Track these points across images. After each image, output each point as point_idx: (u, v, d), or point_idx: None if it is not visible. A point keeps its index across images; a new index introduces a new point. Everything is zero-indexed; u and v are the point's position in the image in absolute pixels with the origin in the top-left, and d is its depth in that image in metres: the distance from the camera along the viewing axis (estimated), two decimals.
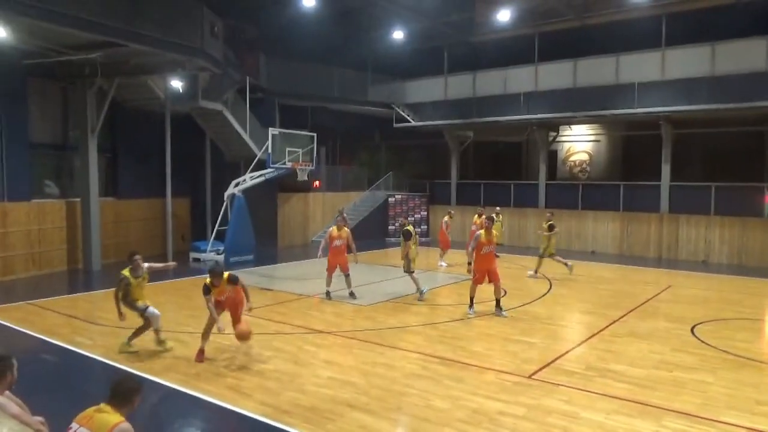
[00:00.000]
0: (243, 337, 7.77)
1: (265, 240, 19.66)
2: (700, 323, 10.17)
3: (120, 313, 7.95)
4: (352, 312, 10.90)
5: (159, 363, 7.69)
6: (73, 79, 15.14)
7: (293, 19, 20.86)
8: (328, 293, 11.95)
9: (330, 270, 11.98)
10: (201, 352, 7.87)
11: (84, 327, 9.49)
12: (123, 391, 3.66)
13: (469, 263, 10.60)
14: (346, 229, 12.09)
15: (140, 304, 8.17)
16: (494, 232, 10.92)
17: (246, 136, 18.88)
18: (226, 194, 17.46)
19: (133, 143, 17.92)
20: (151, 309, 8.18)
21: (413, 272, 12.12)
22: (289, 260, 18.10)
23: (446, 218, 16.91)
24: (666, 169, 19.80)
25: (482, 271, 10.51)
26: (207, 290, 7.84)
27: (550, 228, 15.04)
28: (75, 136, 15.96)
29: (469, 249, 10.63)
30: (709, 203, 19.03)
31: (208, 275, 7.93)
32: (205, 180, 19.92)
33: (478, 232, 10.72)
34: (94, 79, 14.77)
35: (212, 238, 17.65)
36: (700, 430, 5.77)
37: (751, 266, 17.76)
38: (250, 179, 17.45)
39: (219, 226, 17.50)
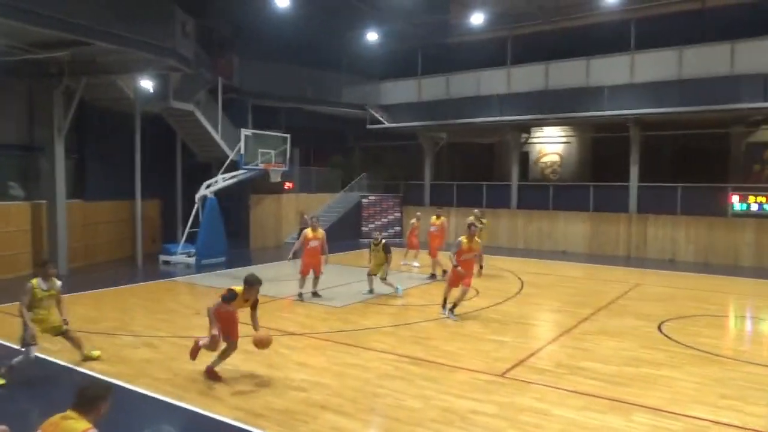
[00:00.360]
0: (262, 343, 7.01)
1: (237, 242, 19.48)
2: (668, 320, 10.41)
3: (30, 331, 6.98)
4: (326, 314, 10.86)
5: (129, 368, 7.54)
6: (39, 78, 14.78)
7: (267, 19, 20.73)
8: (300, 295, 11.89)
9: (305, 272, 11.94)
10: (212, 371, 7.17)
11: None
12: (88, 396, 3.58)
13: (456, 266, 10.35)
14: (321, 230, 12.08)
15: (32, 328, 6.97)
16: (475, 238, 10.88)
17: (218, 137, 18.69)
18: (197, 196, 17.24)
19: (101, 144, 17.58)
20: (33, 349, 7.01)
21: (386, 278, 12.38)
22: (261, 262, 17.94)
23: (414, 221, 16.98)
24: (634, 171, 20.22)
25: (459, 276, 10.38)
26: (232, 298, 6.95)
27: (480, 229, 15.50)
28: (41, 136, 15.58)
29: (451, 254, 10.47)
30: (676, 203, 19.50)
31: (243, 284, 7.04)
32: (175, 181, 19.64)
33: (459, 239, 10.58)
34: (61, 79, 14.45)
35: (183, 240, 17.41)
36: (667, 424, 5.90)
37: (716, 264, 18.24)
38: (222, 180, 17.26)
39: (190, 228, 17.27)
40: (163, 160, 19.20)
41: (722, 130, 21.04)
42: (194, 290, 13.60)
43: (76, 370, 7.44)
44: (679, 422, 5.94)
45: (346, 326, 9.90)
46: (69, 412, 3.52)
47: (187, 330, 9.55)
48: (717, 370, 7.67)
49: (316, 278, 12.07)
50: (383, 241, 12.49)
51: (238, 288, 7.03)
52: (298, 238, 18.59)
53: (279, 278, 15.48)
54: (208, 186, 17.23)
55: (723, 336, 10.22)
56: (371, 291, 12.52)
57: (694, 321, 10.54)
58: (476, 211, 18.72)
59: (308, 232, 11.93)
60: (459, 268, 10.29)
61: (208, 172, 18.98)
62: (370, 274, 12.60)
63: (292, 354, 8.27)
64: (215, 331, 6.91)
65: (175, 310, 11.12)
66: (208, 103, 18.84)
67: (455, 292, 10.48)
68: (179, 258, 16.82)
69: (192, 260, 16.53)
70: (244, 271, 15.94)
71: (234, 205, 19.69)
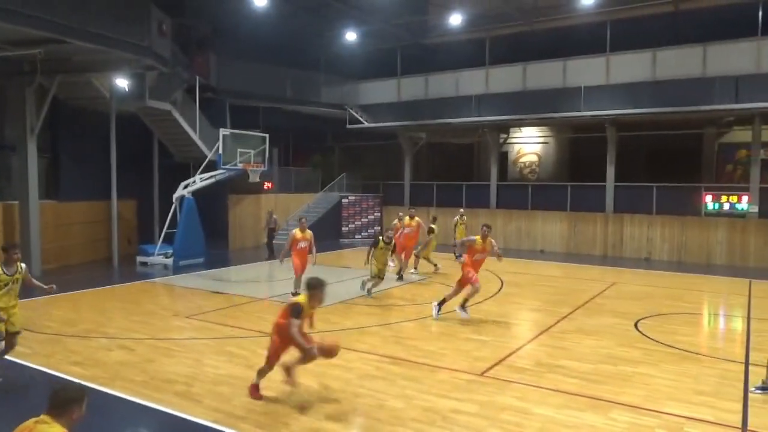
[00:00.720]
0: (330, 352, 6.46)
1: (216, 242, 19.28)
2: (644, 318, 10.57)
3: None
4: None
5: (104, 371, 7.41)
6: (11, 75, 14.45)
7: (245, 18, 20.57)
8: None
9: (298, 271, 11.78)
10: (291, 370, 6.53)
11: (24, 335, 9.03)
12: (60, 400, 3.49)
13: (459, 255, 10.29)
14: (309, 231, 12.01)
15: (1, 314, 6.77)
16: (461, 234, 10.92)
17: (195, 137, 18.48)
18: (175, 196, 17.01)
19: (76, 143, 17.26)
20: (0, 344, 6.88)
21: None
22: (241, 263, 17.81)
23: (396, 221, 17.01)
24: (611, 171, 20.51)
25: (469, 275, 10.19)
26: (299, 311, 6.21)
27: (431, 231, 16.15)
28: (13, 135, 15.23)
29: (458, 245, 10.34)
30: (651, 203, 19.84)
31: (306, 291, 6.39)
32: (152, 181, 19.37)
33: (473, 237, 10.49)
34: (33, 77, 14.13)
35: (160, 241, 17.17)
36: (645, 421, 5.98)
37: (690, 262, 18.60)
38: (200, 181, 17.06)
39: (168, 228, 17.04)
40: (139, 160, 18.92)
41: (696, 131, 21.47)
42: (172, 292, 13.43)
43: (48, 373, 7.28)
44: (656, 419, 6.03)
45: (328, 327, 9.85)
46: (43, 416, 3.44)
47: (165, 332, 9.43)
48: (692, 367, 7.81)
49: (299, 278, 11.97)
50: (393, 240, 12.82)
51: (301, 298, 6.37)
52: (267, 239, 18.56)
53: (259, 279, 15.43)
54: (186, 186, 17.03)
55: (697, 333, 10.41)
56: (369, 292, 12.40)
57: (669, 319, 10.72)
58: (461, 210, 19.04)
59: (296, 233, 11.86)
60: (460, 257, 10.09)
61: (186, 172, 18.75)
62: (378, 276, 12.35)
63: None
64: (308, 346, 6.25)
65: (153, 311, 10.96)
66: (185, 102, 18.61)
67: (467, 289, 10.33)
68: (157, 259, 16.58)
69: (170, 261, 16.31)
70: (224, 272, 16.01)
71: (213, 206, 19.49)
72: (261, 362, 7.74)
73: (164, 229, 17.16)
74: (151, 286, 13.83)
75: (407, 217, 15.52)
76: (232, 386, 6.87)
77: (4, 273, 6.83)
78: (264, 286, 14.46)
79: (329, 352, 6.44)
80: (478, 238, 10.39)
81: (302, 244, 11.80)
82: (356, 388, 6.85)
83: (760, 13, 17.54)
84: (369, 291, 12.33)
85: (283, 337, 6.31)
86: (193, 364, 7.72)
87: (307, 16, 22.57)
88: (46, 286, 7.26)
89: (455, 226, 18.54)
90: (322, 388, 6.85)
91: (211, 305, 11.43)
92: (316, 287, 6.34)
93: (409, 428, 5.75)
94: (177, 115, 17.81)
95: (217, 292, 12.76)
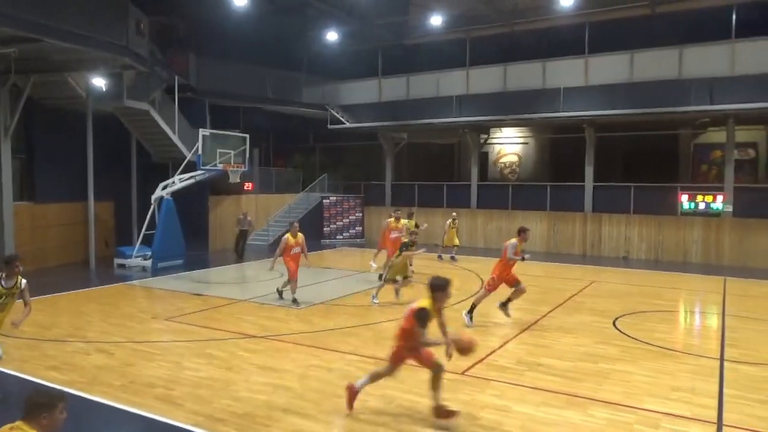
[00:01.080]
0: (466, 349, 5.99)
1: (196, 244, 19.09)
2: (622, 316, 10.73)
3: None
4: (288, 315, 10.77)
5: (82, 375, 7.30)
6: None
7: (224, 17, 20.40)
8: (295, 300, 11.60)
9: (293, 275, 11.68)
10: (442, 409, 5.90)
11: None
12: (30, 406, 3.44)
13: (523, 258, 10.30)
14: (300, 235, 11.93)
15: None
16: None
17: (174, 137, 18.26)
18: (153, 197, 16.81)
19: (51, 144, 16.92)
20: None
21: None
22: (221, 264, 17.68)
23: (389, 221, 16.97)
24: (589, 171, 20.76)
25: (501, 280, 10.23)
26: (426, 316, 5.71)
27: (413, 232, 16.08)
28: None
29: (511, 255, 10.15)
30: (629, 203, 20.12)
31: (430, 293, 5.86)
32: (130, 182, 19.12)
33: (513, 241, 10.32)
34: (7, 76, 13.86)
35: (139, 242, 16.95)
36: (623, 417, 6.08)
37: (667, 261, 18.92)
38: (179, 181, 16.87)
39: (146, 230, 16.83)
40: (116, 161, 18.64)
41: (671, 132, 21.83)
42: (151, 294, 13.28)
43: (23, 379, 7.15)
44: (633, 415, 6.13)
45: (309, 328, 9.84)
46: (18, 423, 3.39)
47: (144, 335, 9.32)
48: (669, 363, 7.95)
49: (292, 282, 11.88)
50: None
51: (425, 302, 5.82)
52: (236, 241, 18.42)
53: (239, 280, 15.34)
54: (165, 187, 16.83)
55: (674, 330, 10.60)
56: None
57: (647, 316, 10.89)
58: (454, 213, 19.06)
59: (289, 238, 11.75)
60: (526, 257, 10.27)
61: (165, 172, 18.53)
62: (394, 279, 12.07)
63: (253, 357, 8.16)
64: (441, 341, 5.92)
65: (131, 314, 10.82)
66: (164, 102, 18.37)
67: (480, 293, 10.33)
68: (135, 261, 16.36)
69: (148, 263, 16.11)
70: (203, 274, 15.88)
71: (192, 207, 19.29)
72: (241, 364, 7.73)
73: (143, 231, 16.94)
74: (129, 289, 13.66)
75: (393, 220, 15.50)
76: (213, 389, 6.82)
77: (2, 286, 6.37)
78: (244, 287, 14.36)
79: (466, 349, 5.94)
80: (516, 240, 10.27)
81: (296, 250, 11.73)
82: (337, 388, 6.82)
83: (734, 17, 17.91)
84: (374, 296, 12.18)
85: (408, 342, 5.86)
86: (173, 367, 7.65)
87: (288, 15, 22.47)
88: (22, 315, 6.68)
89: (448, 228, 18.52)
90: (303, 388, 6.83)
91: (191, 307, 11.33)
92: (439, 288, 5.85)
93: (390, 428, 5.77)
94: (155, 115, 17.59)
95: (197, 294, 12.64)
